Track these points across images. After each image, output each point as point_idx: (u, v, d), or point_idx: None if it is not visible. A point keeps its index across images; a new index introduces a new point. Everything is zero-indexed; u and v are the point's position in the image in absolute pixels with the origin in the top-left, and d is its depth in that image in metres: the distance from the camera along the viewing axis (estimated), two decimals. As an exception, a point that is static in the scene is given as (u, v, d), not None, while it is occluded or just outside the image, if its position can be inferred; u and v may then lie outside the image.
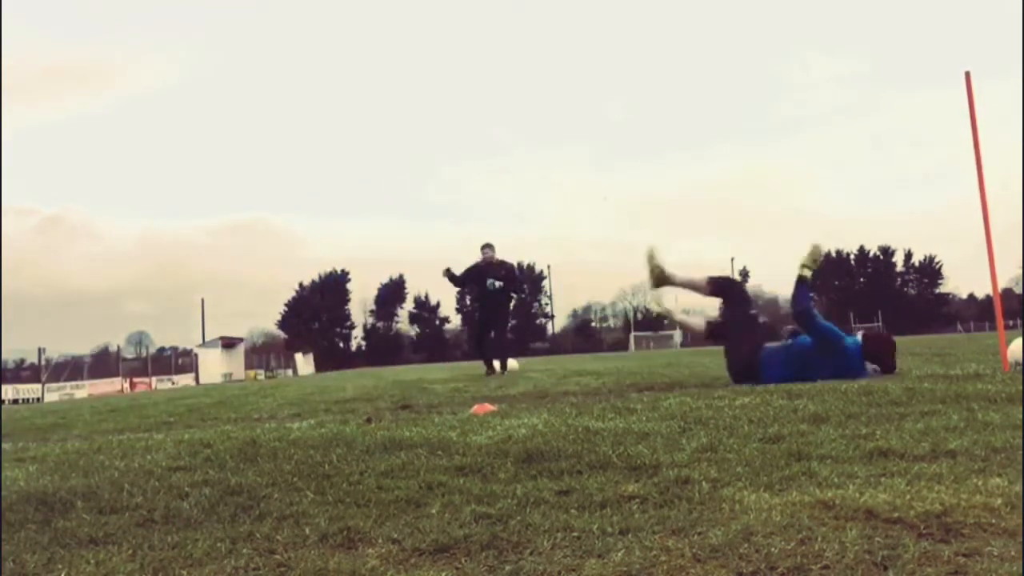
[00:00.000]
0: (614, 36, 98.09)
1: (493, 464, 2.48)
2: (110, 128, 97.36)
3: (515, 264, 11.14)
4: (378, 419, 4.23)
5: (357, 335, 75.71)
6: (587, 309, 78.69)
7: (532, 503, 1.93)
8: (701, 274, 5.92)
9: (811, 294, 5.56)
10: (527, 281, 71.93)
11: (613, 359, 20.36)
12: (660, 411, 3.68)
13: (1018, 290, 65.27)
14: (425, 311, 74.79)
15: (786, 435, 2.69)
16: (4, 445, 4.26)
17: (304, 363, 51.32)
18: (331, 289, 73.96)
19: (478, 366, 11.96)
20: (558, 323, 76.44)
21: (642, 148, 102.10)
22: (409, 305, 75.18)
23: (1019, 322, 49.26)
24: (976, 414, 2.89)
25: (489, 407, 4.42)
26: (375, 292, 74.26)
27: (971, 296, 74.32)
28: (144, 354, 44.61)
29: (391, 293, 74.16)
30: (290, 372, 48.21)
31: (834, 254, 73.45)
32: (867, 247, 74.76)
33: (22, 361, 33.44)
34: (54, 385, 27.25)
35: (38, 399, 24.84)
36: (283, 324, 72.57)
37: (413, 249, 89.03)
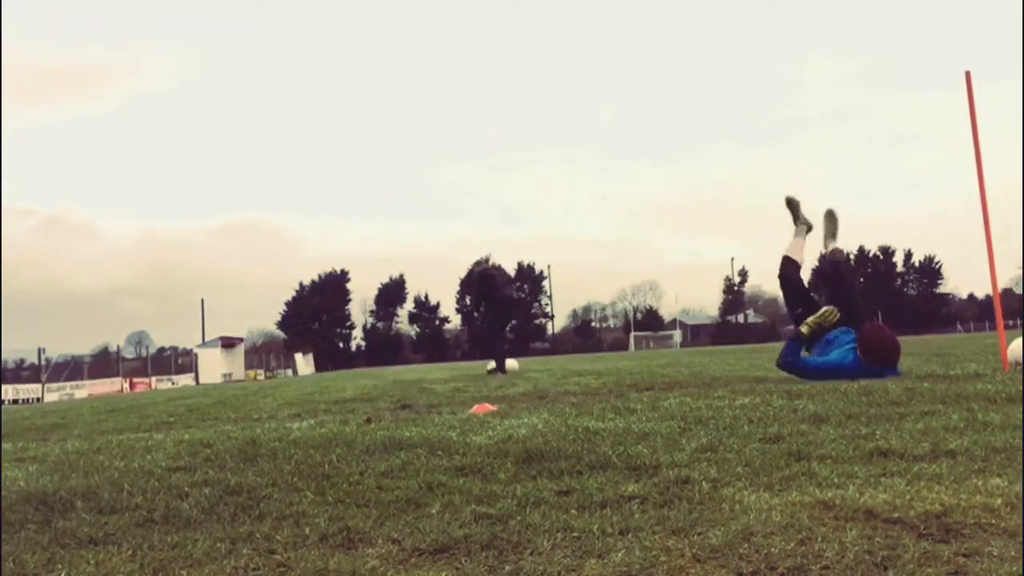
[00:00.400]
0: (614, 37, 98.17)
1: (493, 464, 2.48)
2: (110, 128, 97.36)
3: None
4: (378, 419, 4.23)
5: (357, 335, 75.75)
6: (587, 309, 78.67)
7: (532, 503, 1.93)
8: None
9: (804, 352, 5.53)
10: (527, 281, 72.01)
11: (613, 359, 20.36)
12: (660, 411, 3.68)
13: (1018, 290, 65.22)
14: (425, 311, 74.74)
15: (786, 435, 2.69)
16: (4, 445, 4.26)
17: (304, 363, 51.31)
18: (331, 289, 73.94)
19: (478, 366, 12.03)
20: (558, 323, 76.51)
21: (642, 148, 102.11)
22: (409, 305, 75.19)
23: (1019, 322, 49.25)
24: (976, 414, 2.89)
25: (489, 407, 4.42)
26: (375, 292, 74.35)
27: (971, 296, 74.30)
28: (144, 354, 44.67)
29: (392, 293, 74.23)
30: (290, 372, 48.21)
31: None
32: (867, 247, 74.73)
33: (22, 361, 33.41)
34: (54, 385, 27.24)
35: (38, 399, 24.84)
36: (283, 324, 72.54)
37: (413, 249, 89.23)
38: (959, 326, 61.91)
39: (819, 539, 1.49)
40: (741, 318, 74.10)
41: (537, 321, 73.06)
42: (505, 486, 2.15)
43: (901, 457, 2.22)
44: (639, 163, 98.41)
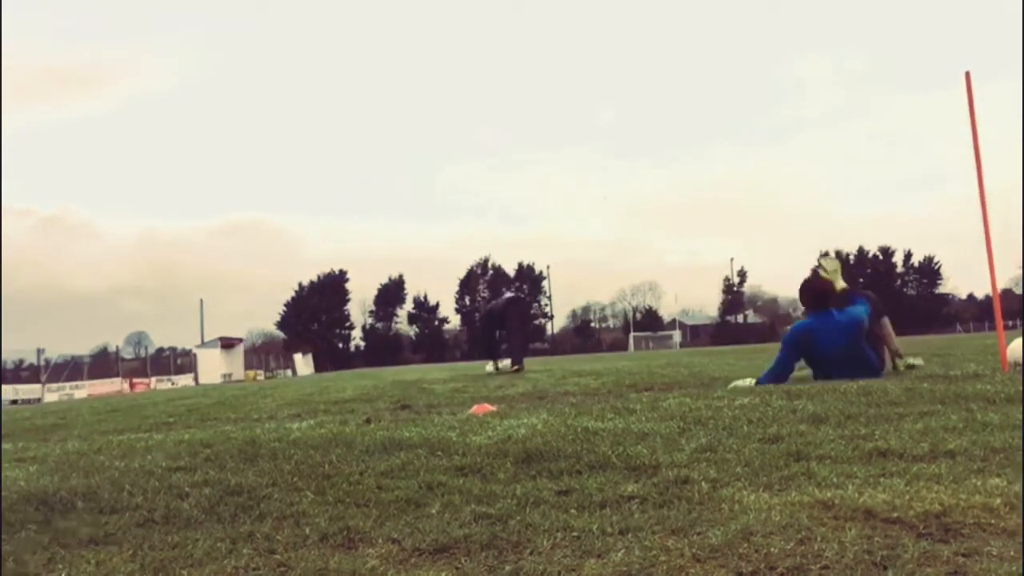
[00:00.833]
0: (614, 37, 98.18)
1: (493, 464, 2.48)
2: (110, 128, 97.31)
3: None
4: (377, 419, 4.23)
5: (356, 335, 75.74)
6: (586, 309, 78.70)
7: (532, 503, 1.93)
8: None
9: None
10: (526, 281, 72.11)
11: (612, 359, 20.36)
12: (659, 411, 3.68)
13: (1018, 290, 65.23)
14: (424, 311, 74.74)
15: (785, 435, 2.69)
16: (4, 445, 4.26)
17: (303, 363, 51.32)
18: (330, 289, 73.92)
19: (478, 366, 12.10)
20: (557, 323, 76.52)
21: (642, 148, 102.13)
22: (408, 305, 75.19)
23: (1019, 322, 49.25)
24: (975, 414, 2.89)
25: (488, 407, 4.42)
26: (374, 292, 74.34)
27: (971, 296, 74.33)
28: (143, 354, 44.67)
29: (392, 293, 74.20)
30: (289, 372, 48.20)
31: (833, 254, 73.30)
32: (866, 247, 74.75)
33: (22, 361, 33.36)
34: (54, 385, 27.24)
35: (38, 399, 24.83)
36: (282, 324, 72.52)
37: (412, 249, 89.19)
38: (959, 326, 61.91)
39: (818, 539, 1.49)
40: (740, 318, 74.12)
41: (536, 321, 73.02)
42: (505, 486, 2.15)
43: (900, 457, 2.23)
44: (639, 163, 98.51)
